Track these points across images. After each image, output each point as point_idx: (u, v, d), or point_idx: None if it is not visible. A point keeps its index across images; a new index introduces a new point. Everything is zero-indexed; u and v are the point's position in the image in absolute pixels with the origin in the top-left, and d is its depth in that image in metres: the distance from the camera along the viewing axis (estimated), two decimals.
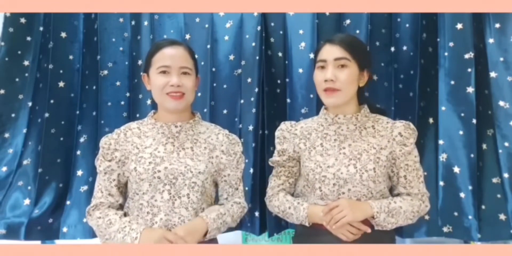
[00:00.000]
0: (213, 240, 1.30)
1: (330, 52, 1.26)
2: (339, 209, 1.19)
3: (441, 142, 1.72)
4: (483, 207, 1.69)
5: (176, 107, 1.24)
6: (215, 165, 1.29)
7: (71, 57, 1.92)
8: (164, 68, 1.23)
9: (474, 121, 1.68)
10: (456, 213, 1.70)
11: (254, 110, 1.81)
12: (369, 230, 1.21)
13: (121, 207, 1.29)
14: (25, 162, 1.85)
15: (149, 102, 1.89)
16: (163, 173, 1.20)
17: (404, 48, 1.85)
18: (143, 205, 1.21)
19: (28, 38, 1.88)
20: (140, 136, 1.27)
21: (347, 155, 1.26)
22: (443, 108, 1.72)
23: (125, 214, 1.26)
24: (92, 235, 1.82)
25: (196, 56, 1.33)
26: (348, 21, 1.86)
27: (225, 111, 1.90)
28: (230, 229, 1.79)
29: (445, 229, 1.71)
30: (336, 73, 1.25)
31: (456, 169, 1.70)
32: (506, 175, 1.66)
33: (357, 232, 1.22)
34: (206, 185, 1.26)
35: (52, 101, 1.85)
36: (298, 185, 1.38)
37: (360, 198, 1.24)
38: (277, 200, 1.35)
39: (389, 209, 1.22)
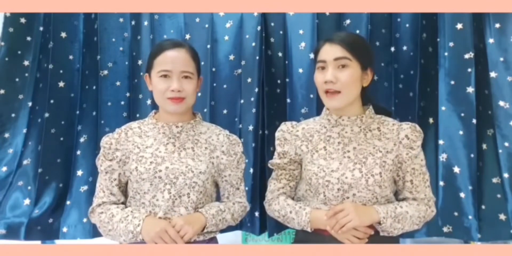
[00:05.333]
0: (213, 240, 1.30)
1: (330, 52, 1.20)
2: (345, 213, 1.13)
3: (441, 142, 1.72)
4: (483, 207, 1.70)
5: (176, 111, 1.25)
6: (215, 166, 1.29)
7: (71, 57, 1.92)
8: (165, 72, 1.22)
9: (474, 121, 1.68)
10: (456, 213, 1.70)
11: (254, 110, 1.81)
12: (372, 232, 1.18)
13: (123, 205, 1.29)
14: (25, 162, 1.85)
15: (149, 102, 1.89)
16: (164, 173, 1.20)
17: (404, 48, 1.85)
18: (145, 204, 1.22)
19: (28, 38, 1.88)
20: (141, 136, 1.27)
21: (352, 159, 1.20)
22: (443, 108, 1.72)
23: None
24: (92, 235, 1.82)
25: (199, 57, 1.32)
26: (348, 21, 1.86)
27: (225, 111, 1.90)
28: (230, 229, 1.80)
29: (445, 229, 1.71)
30: (336, 74, 1.19)
31: (456, 169, 1.70)
32: (506, 175, 1.66)
33: (363, 236, 1.16)
34: (207, 185, 1.26)
35: (52, 101, 1.85)
36: (299, 189, 1.32)
37: (365, 203, 1.19)
38: (277, 204, 1.29)
39: (395, 214, 1.17)
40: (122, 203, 1.27)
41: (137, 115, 1.89)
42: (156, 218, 1.19)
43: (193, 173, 1.22)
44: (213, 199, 1.33)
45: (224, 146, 1.31)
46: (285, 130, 1.33)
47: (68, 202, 1.85)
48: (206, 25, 1.92)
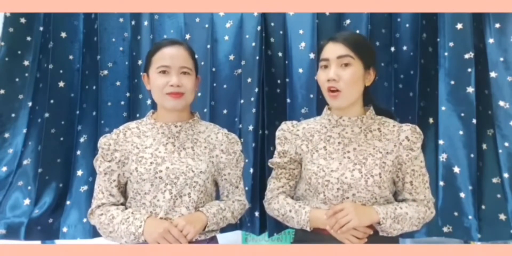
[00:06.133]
0: (213, 240, 1.30)
1: (333, 50, 1.21)
2: (344, 213, 1.13)
3: (441, 142, 1.72)
4: (483, 207, 1.70)
5: (175, 107, 1.24)
6: (215, 165, 1.29)
7: (71, 57, 1.92)
8: (163, 68, 1.22)
9: (474, 121, 1.68)
10: (456, 213, 1.70)
11: (254, 110, 1.81)
12: (371, 232, 1.18)
13: (123, 206, 1.28)
14: (25, 162, 1.85)
15: (149, 102, 1.89)
16: (165, 173, 1.20)
17: (404, 48, 1.85)
18: (145, 205, 1.21)
19: (28, 38, 1.88)
20: (140, 136, 1.27)
21: (352, 159, 1.20)
22: (443, 108, 1.72)
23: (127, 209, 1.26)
24: (92, 235, 1.82)
25: (196, 56, 1.32)
26: (348, 21, 1.86)
27: (225, 111, 1.90)
28: (230, 229, 1.80)
29: (445, 229, 1.71)
30: (339, 72, 1.19)
31: (456, 169, 1.70)
32: (506, 175, 1.66)
33: (363, 236, 1.16)
34: (207, 185, 1.26)
35: (52, 101, 1.85)
36: (299, 188, 1.32)
37: (364, 203, 1.19)
38: (277, 203, 1.30)
39: (395, 215, 1.17)
40: (122, 204, 1.27)
41: (137, 115, 1.89)
42: (158, 219, 1.19)
43: (193, 172, 1.22)
44: (213, 198, 1.33)
45: (223, 145, 1.31)
46: (285, 129, 1.33)
47: (68, 202, 1.85)
48: (206, 25, 1.92)
